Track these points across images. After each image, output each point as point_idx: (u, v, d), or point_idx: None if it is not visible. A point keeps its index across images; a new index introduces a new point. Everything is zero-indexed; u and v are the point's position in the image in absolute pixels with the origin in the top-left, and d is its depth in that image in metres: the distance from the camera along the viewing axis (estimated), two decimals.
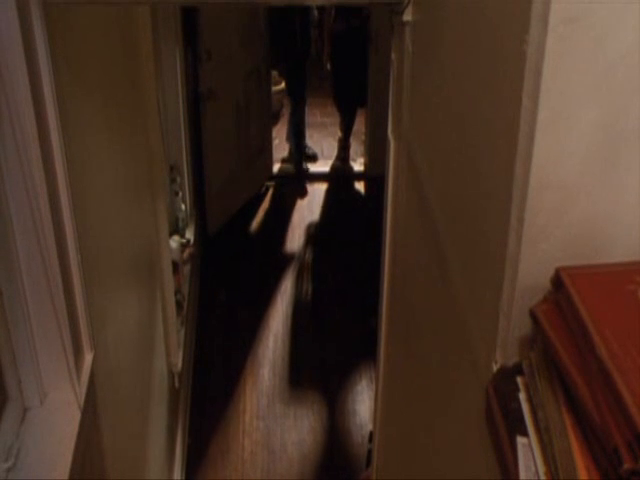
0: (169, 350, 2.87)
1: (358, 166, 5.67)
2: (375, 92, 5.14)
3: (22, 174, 1.12)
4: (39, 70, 1.12)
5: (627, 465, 0.60)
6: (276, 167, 5.61)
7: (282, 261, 4.62)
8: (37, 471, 1.16)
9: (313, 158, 5.75)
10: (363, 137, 5.70)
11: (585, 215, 0.84)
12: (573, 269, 0.81)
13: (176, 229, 3.52)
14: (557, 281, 0.80)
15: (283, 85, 5.71)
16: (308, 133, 5.67)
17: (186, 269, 3.60)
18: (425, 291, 1.58)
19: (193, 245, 3.72)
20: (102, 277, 1.58)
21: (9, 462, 1.15)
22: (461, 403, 1.18)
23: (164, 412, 2.67)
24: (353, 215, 5.09)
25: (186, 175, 3.85)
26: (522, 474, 0.74)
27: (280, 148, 5.73)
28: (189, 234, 3.73)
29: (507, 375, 0.86)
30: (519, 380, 0.84)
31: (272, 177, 5.51)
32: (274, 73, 5.58)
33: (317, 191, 5.38)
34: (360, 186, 5.45)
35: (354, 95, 5.34)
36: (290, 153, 5.68)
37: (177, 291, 3.14)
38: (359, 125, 5.68)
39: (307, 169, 5.63)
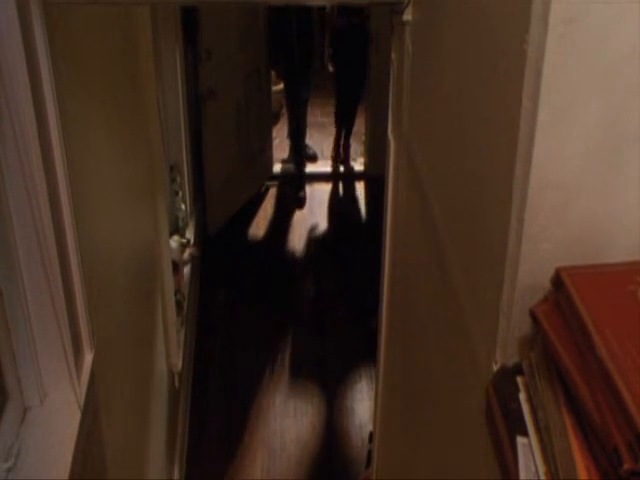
0: (169, 350, 2.87)
1: (358, 166, 5.67)
2: (375, 92, 5.14)
3: (22, 173, 1.12)
4: (39, 69, 1.12)
5: (627, 465, 0.60)
6: (276, 167, 5.61)
7: (282, 261, 4.62)
8: (37, 471, 1.16)
9: (313, 158, 5.70)
10: (363, 137, 5.70)
11: (585, 215, 0.84)
12: (573, 269, 0.80)
13: (176, 229, 3.52)
14: (557, 281, 0.80)
15: (282, 85, 5.71)
16: (308, 133, 5.66)
17: (186, 269, 3.60)
18: (425, 291, 1.58)
19: (193, 245, 3.72)
20: (102, 277, 1.58)
21: (9, 462, 1.15)
22: (461, 403, 1.18)
23: (164, 412, 2.67)
24: (353, 215, 5.09)
25: (186, 175, 3.85)
26: (522, 474, 0.74)
27: (280, 148, 5.73)
28: (189, 234, 3.73)
29: (507, 375, 0.86)
30: (519, 380, 0.84)
31: (272, 177, 5.51)
32: (274, 73, 5.55)
33: (317, 191, 5.38)
34: (360, 186, 5.45)
35: (355, 92, 5.29)
36: (291, 152, 5.65)
37: (177, 291, 3.14)
38: (359, 126, 5.67)
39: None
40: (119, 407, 1.72)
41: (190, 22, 4.02)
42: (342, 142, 5.58)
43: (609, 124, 0.79)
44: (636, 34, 0.75)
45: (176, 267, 3.14)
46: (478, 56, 1.05)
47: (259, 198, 5.24)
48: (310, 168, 5.47)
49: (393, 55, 1.91)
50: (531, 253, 0.84)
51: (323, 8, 4.95)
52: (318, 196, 5.31)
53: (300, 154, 5.49)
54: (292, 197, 5.28)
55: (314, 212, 4.95)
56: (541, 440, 0.75)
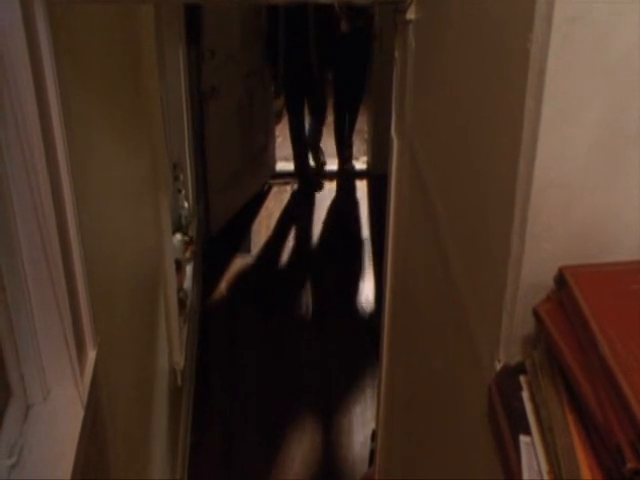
0: (171, 347, 2.88)
1: (361, 164, 5.67)
2: (378, 90, 5.14)
3: (26, 171, 1.12)
4: (42, 67, 1.13)
5: (630, 464, 0.60)
6: (279, 165, 5.60)
7: (284, 259, 4.62)
8: (40, 468, 1.16)
9: (320, 166, 5.47)
10: (366, 136, 5.70)
11: (588, 214, 0.84)
12: (576, 268, 0.80)
13: (179, 227, 3.53)
14: (560, 280, 0.80)
15: None
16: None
17: (188, 267, 3.60)
18: (428, 290, 1.58)
19: (196, 243, 3.72)
20: (105, 274, 1.58)
21: (12, 459, 1.15)
22: (464, 402, 1.18)
23: (167, 409, 2.67)
24: (356, 213, 5.09)
25: (189, 173, 3.86)
26: (525, 473, 0.74)
27: (283, 146, 5.72)
28: (192, 232, 3.73)
29: (510, 374, 0.86)
30: (522, 379, 0.84)
31: (275, 175, 5.51)
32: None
33: None
34: (363, 185, 5.44)
35: (355, 95, 5.20)
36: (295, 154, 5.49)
37: (180, 289, 3.15)
38: (361, 124, 5.67)
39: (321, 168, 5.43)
40: (122, 404, 1.72)
41: (193, 21, 4.02)
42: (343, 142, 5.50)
43: (612, 123, 0.79)
44: (639, 33, 0.75)
45: (179, 265, 3.14)
46: (481, 55, 1.05)
47: (262, 196, 5.24)
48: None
49: (396, 53, 1.91)
50: (534, 252, 0.84)
51: (325, 15, 4.71)
52: (323, 193, 5.31)
53: (301, 156, 5.29)
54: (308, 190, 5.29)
55: (317, 210, 4.95)
56: (544, 439, 0.75)
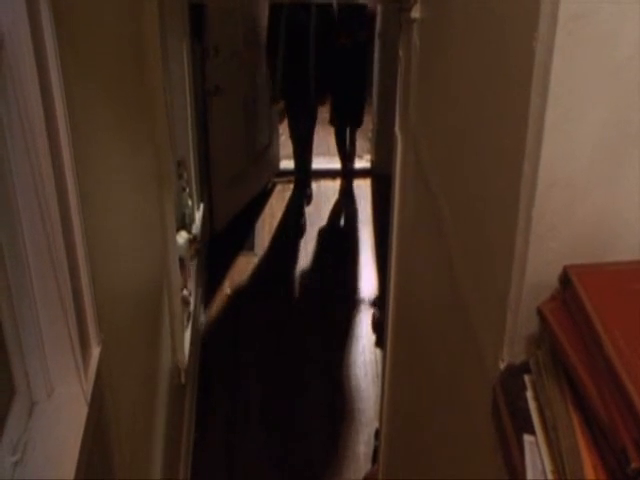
0: (175, 346, 2.88)
1: (365, 163, 5.66)
2: (382, 89, 5.13)
3: (30, 167, 1.12)
4: (46, 60, 1.13)
5: (635, 464, 0.60)
6: (283, 164, 5.60)
7: (288, 256, 4.62)
8: (44, 465, 1.16)
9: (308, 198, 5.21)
10: (370, 134, 5.69)
11: (593, 213, 0.84)
12: (581, 267, 0.80)
13: (183, 225, 3.53)
14: (565, 279, 0.80)
15: None
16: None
17: (192, 265, 3.60)
18: (432, 288, 1.58)
19: (200, 240, 3.72)
20: (109, 271, 1.58)
21: (16, 456, 1.16)
22: (468, 401, 1.18)
23: (170, 407, 2.67)
24: (360, 212, 5.08)
25: (193, 171, 3.86)
26: (529, 472, 0.74)
27: (287, 144, 5.73)
28: (196, 230, 3.73)
29: (514, 373, 0.86)
30: (526, 378, 0.84)
31: (279, 174, 5.51)
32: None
33: (323, 188, 5.38)
34: (366, 183, 5.44)
35: (355, 110, 4.95)
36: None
37: (183, 287, 3.15)
38: (365, 122, 5.65)
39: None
40: (125, 402, 1.73)
41: (197, 18, 4.02)
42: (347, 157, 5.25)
43: (617, 122, 0.79)
44: None
45: (182, 263, 3.14)
46: (486, 53, 1.05)
47: (265, 195, 5.24)
48: (317, 165, 5.42)
49: (401, 52, 1.91)
50: (538, 251, 0.84)
51: (325, 29, 4.50)
52: (325, 193, 5.31)
53: (302, 158, 5.12)
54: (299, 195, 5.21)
55: (320, 209, 4.95)
56: (548, 438, 0.75)
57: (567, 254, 0.84)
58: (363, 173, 5.56)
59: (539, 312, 0.83)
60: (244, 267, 4.53)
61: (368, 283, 4.38)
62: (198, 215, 3.98)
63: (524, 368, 0.86)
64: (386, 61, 4.97)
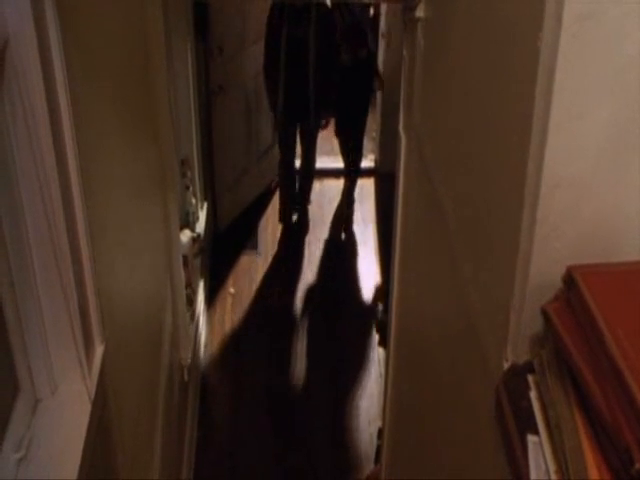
0: (179, 343, 2.88)
1: (369, 162, 5.66)
2: (387, 88, 5.13)
3: (34, 167, 1.13)
4: (51, 60, 1.13)
5: (638, 464, 0.60)
6: None
7: (291, 255, 4.62)
8: (48, 462, 1.16)
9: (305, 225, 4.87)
10: (374, 134, 5.69)
11: (597, 214, 0.84)
12: (585, 267, 0.80)
13: (186, 223, 3.53)
14: (569, 279, 0.80)
15: None
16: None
17: (196, 263, 3.60)
18: (435, 288, 1.58)
19: (203, 239, 3.73)
20: (113, 270, 1.59)
21: (20, 453, 1.16)
22: (471, 400, 1.18)
23: (173, 405, 2.68)
24: (364, 211, 5.08)
25: (197, 169, 3.86)
26: (532, 472, 0.74)
27: None
28: (199, 228, 3.73)
29: (518, 373, 0.86)
30: (530, 378, 0.84)
31: None
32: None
33: (327, 187, 5.37)
34: (370, 182, 5.43)
35: (357, 131, 4.74)
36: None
37: (187, 285, 3.15)
38: (369, 122, 5.65)
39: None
40: (129, 399, 1.73)
41: (201, 18, 4.02)
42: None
43: (621, 122, 0.79)
44: None
45: (186, 261, 3.15)
46: (490, 53, 1.05)
47: (269, 193, 5.23)
48: (320, 164, 5.38)
49: (405, 51, 1.91)
50: (543, 251, 0.84)
51: (326, 47, 4.20)
52: (328, 192, 5.31)
53: (288, 190, 4.79)
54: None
55: (323, 208, 4.94)
56: (552, 438, 0.75)
57: (571, 254, 0.84)
58: (367, 172, 5.55)
59: (543, 312, 0.83)
60: (247, 266, 4.53)
61: (371, 282, 4.38)
62: (202, 214, 3.98)
63: (528, 368, 0.86)
64: (390, 60, 4.96)
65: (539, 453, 0.75)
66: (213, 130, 4.42)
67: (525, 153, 0.84)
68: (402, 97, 1.98)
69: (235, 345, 3.93)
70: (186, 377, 3.05)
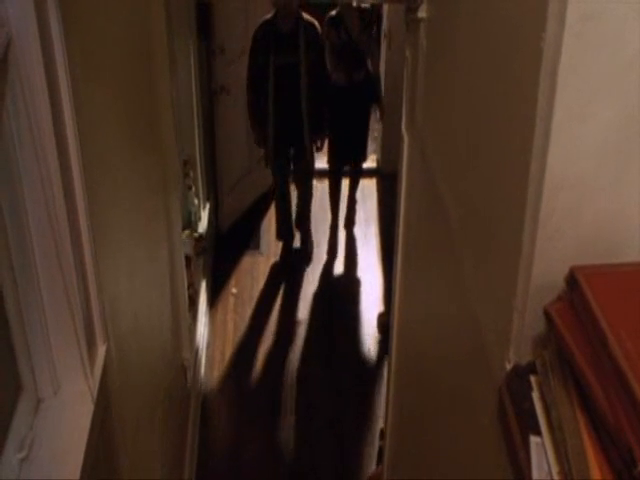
0: (181, 344, 2.89)
1: (371, 162, 5.66)
2: (389, 89, 5.13)
3: (38, 168, 1.13)
4: (55, 62, 1.13)
5: None
6: None
7: (293, 255, 4.62)
8: (50, 462, 1.17)
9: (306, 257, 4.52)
10: (376, 134, 5.69)
11: (600, 214, 0.83)
12: (588, 268, 0.80)
13: (189, 223, 3.53)
14: (571, 280, 0.80)
15: None
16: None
17: (198, 263, 3.61)
18: (438, 288, 1.58)
19: (205, 239, 3.73)
20: (115, 270, 1.59)
21: (23, 452, 1.16)
22: (473, 401, 1.18)
23: (175, 406, 2.68)
24: (366, 211, 5.08)
25: (199, 170, 3.86)
26: (535, 473, 0.74)
27: None
28: (201, 228, 3.74)
29: (520, 374, 0.86)
30: (532, 379, 0.84)
31: None
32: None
33: (327, 188, 5.37)
34: (372, 182, 5.43)
35: (355, 154, 4.49)
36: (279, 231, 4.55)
37: (189, 285, 3.16)
38: (372, 122, 5.65)
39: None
40: (131, 400, 1.73)
41: (204, 18, 4.02)
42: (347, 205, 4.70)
43: (624, 123, 0.79)
44: None
45: (188, 261, 3.15)
46: (493, 53, 1.05)
47: (271, 194, 5.23)
48: (321, 164, 5.35)
49: (407, 52, 1.91)
50: (545, 252, 0.84)
51: (318, 69, 3.95)
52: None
53: (288, 232, 4.46)
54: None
55: (326, 209, 4.93)
56: (554, 439, 0.75)
57: (574, 255, 0.84)
58: (369, 172, 5.55)
59: (546, 313, 0.83)
60: (250, 266, 4.53)
61: (374, 283, 4.38)
62: (204, 214, 3.99)
63: (530, 369, 0.85)
64: (392, 60, 4.96)
65: (541, 454, 0.75)
66: (215, 130, 4.42)
67: (528, 154, 0.83)
68: (404, 97, 1.98)
69: (237, 345, 3.93)
70: (188, 377, 3.05)
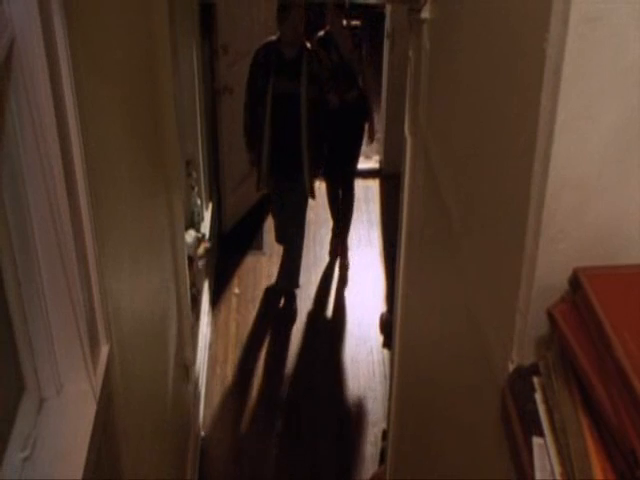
0: (183, 343, 2.89)
1: (374, 164, 5.66)
2: (392, 89, 5.13)
3: (41, 168, 1.13)
4: (58, 63, 1.13)
5: None
6: None
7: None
8: (53, 461, 1.17)
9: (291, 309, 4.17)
10: (379, 135, 5.69)
11: (603, 216, 0.83)
12: (591, 270, 0.80)
13: (191, 223, 3.54)
14: (575, 282, 0.80)
15: None
16: None
17: (201, 263, 3.61)
18: (440, 289, 1.57)
19: (208, 239, 3.73)
20: (118, 270, 1.59)
21: (26, 452, 1.16)
22: (476, 402, 1.17)
23: (178, 405, 2.68)
24: (369, 212, 5.08)
25: (202, 170, 3.87)
26: (538, 474, 0.74)
27: None
28: (204, 228, 3.74)
29: (523, 375, 0.86)
30: (535, 380, 0.84)
31: None
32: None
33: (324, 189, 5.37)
34: (375, 184, 5.43)
35: (346, 173, 4.36)
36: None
37: (192, 285, 3.16)
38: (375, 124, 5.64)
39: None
40: (134, 399, 1.73)
41: (207, 18, 4.02)
42: (338, 236, 4.55)
43: (628, 123, 0.79)
44: None
45: (191, 261, 3.15)
46: (496, 54, 1.05)
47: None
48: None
49: (410, 53, 1.91)
50: (548, 253, 0.84)
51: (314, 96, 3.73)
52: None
53: (292, 266, 4.16)
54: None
55: (327, 209, 4.93)
56: (557, 441, 0.75)
57: (577, 256, 0.84)
58: (372, 173, 5.55)
59: (549, 314, 0.83)
60: (252, 266, 4.53)
61: (376, 284, 4.37)
62: (207, 214, 3.99)
63: (533, 370, 0.85)
64: (395, 62, 4.96)
65: (544, 455, 0.75)
66: (218, 130, 4.43)
67: (531, 154, 0.83)
68: (407, 98, 1.98)
69: (239, 345, 3.93)
70: (190, 377, 3.05)
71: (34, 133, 1.11)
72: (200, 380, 3.47)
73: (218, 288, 4.29)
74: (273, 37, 3.74)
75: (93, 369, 1.30)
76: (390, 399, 2.61)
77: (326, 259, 4.62)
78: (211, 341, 3.91)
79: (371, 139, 4.33)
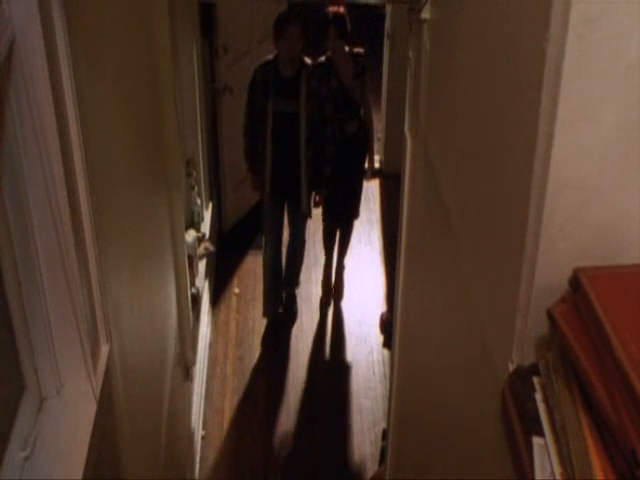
0: (183, 344, 2.89)
1: (374, 164, 5.66)
2: (392, 89, 5.12)
3: (42, 168, 1.13)
4: (58, 63, 1.13)
5: None
6: None
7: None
8: (53, 460, 1.17)
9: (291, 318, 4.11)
10: (379, 135, 5.69)
11: (603, 215, 0.83)
12: (591, 270, 0.80)
13: (192, 223, 3.54)
14: (575, 282, 0.80)
15: None
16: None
17: (201, 263, 3.61)
18: (440, 289, 1.57)
19: (208, 239, 3.73)
20: (118, 270, 1.59)
21: (26, 451, 1.16)
22: (476, 402, 1.17)
23: (177, 405, 2.68)
24: (369, 212, 5.08)
25: (202, 170, 3.87)
26: (538, 474, 0.74)
27: None
28: (204, 228, 3.74)
29: (523, 375, 0.86)
30: (535, 380, 0.84)
31: None
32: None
33: None
34: (376, 183, 5.43)
35: (347, 210, 4.11)
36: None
37: (192, 285, 3.16)
38: (375, 123, 5.64)
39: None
40: (134, 399, 1.73)
41: (207, 18, 4.02)
42: (334, 273, 4.26)
43: (627, 123, 0.79)
44: None
45: (191, 261, 3.15)
46: (497, 55, 1.05)
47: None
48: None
49: (410, 53, 1.91)
50: (549, 253, 0.84)
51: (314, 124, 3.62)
52: None
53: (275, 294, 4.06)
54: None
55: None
56: (557, 441, 0.75)
57: (577, 256, 0.84)
58: (372, 173, 5.55)
59: (549, 314, 0.83)
60: (252, 266, 4.53)
61: (376, 284, 4.37)
62: (207, 214, 3.99)
63: (533, 370, 0.85)
64: (395, 62, 4.96)
65: (544, 455, 0.75)
66: (218, 130, 4.42)
67: (531, 154, 0.83)
68: (408, 98, 1.98)
69: (239, 345, 3.93)
70: (190, 377, 3.06)
71: (34, 133, 1.11)
72: (200, 380, 3.47)
73: (218, 288, 4.29)
74: (270, 56, 3.65)
75: (93, 369, 1.30)
76: (390, 399, 2.62)
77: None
78: (211, 341, 3.91)
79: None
